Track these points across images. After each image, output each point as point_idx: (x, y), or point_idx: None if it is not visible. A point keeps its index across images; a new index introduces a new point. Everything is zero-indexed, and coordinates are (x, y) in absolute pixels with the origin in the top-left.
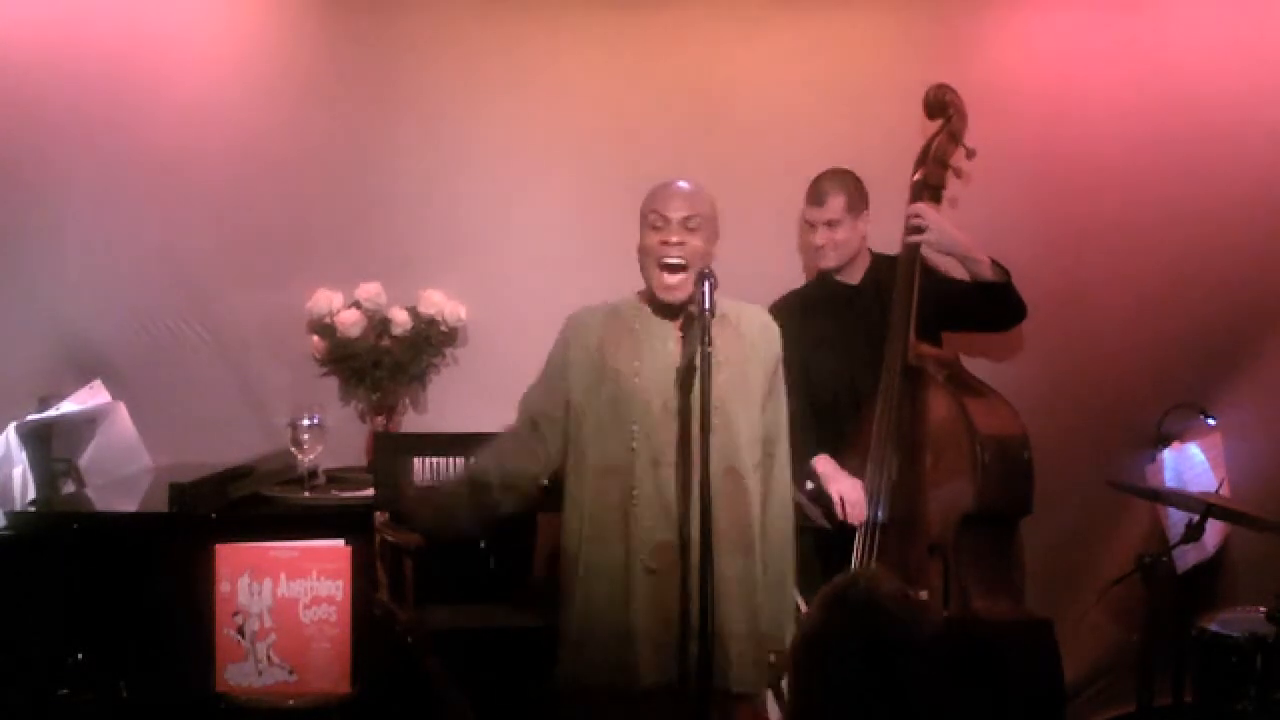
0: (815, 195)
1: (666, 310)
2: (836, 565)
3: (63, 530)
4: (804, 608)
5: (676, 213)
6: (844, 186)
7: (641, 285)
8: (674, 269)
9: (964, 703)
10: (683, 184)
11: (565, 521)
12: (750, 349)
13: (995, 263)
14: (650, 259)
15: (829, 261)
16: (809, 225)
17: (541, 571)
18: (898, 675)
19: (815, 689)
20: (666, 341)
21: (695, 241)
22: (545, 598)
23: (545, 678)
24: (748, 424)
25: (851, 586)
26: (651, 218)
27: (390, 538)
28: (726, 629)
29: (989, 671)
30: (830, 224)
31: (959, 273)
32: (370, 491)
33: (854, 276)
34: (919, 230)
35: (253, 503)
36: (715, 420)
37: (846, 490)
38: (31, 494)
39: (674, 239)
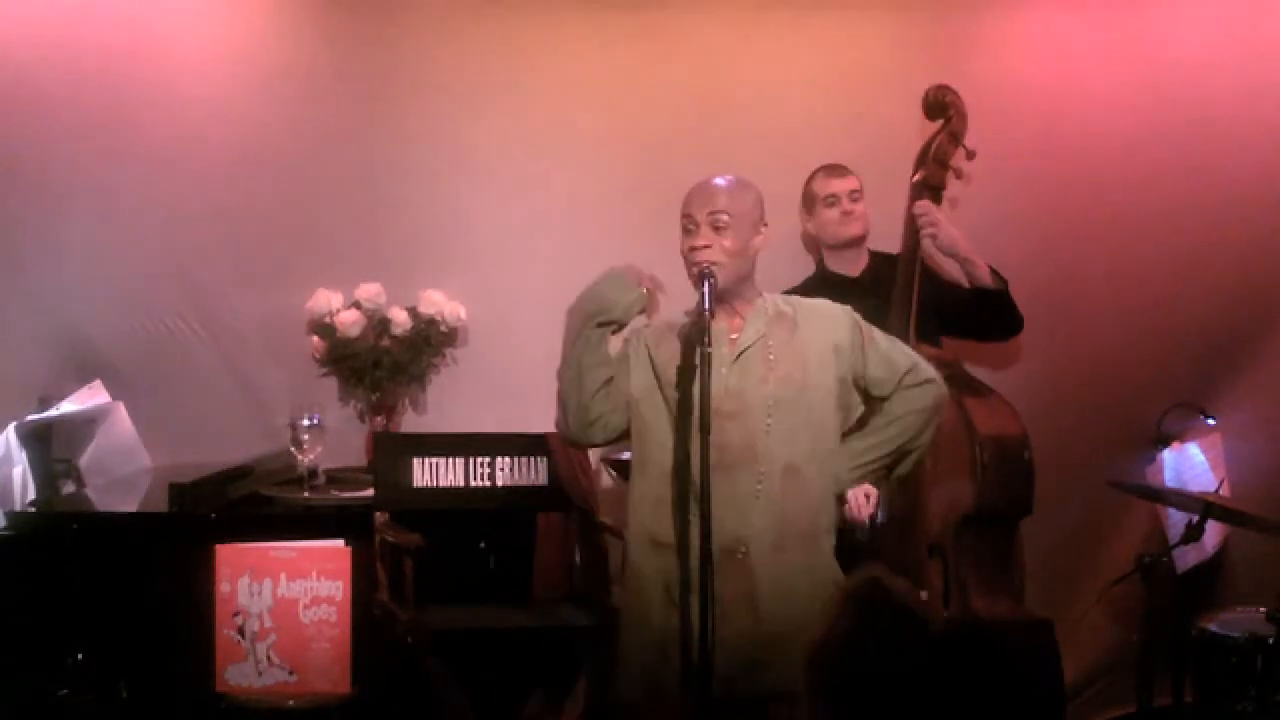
0: (834, 170)
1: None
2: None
3: (62, 530)
4: None
5: (703, 216)
6: (852, 170)
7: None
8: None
9: (963, 703)
10: (718, 181)
11: (635, 524)
12: (809, 340)
13: (994, 271)
14: (686, 263)
15: (858, 229)
16: (829, 200)
17: (546, 575)
18: (917, 673)
19: (837, 689)
20: (720, 347)
21: (725, 242)
22: (546, 601)
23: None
24: (808, 419)
25: (869, 586)
26: (684, 220)
27: (390, 538)
28: (780, 629)
29: (988, 672)
30: (853, 194)
31: (958, 276)
32: (370, 492)
33: (854, 270)
34: (923, 231)
35: (252, 503)
36: (768, 420)
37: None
38: (31, 494)
39: (701, 243)
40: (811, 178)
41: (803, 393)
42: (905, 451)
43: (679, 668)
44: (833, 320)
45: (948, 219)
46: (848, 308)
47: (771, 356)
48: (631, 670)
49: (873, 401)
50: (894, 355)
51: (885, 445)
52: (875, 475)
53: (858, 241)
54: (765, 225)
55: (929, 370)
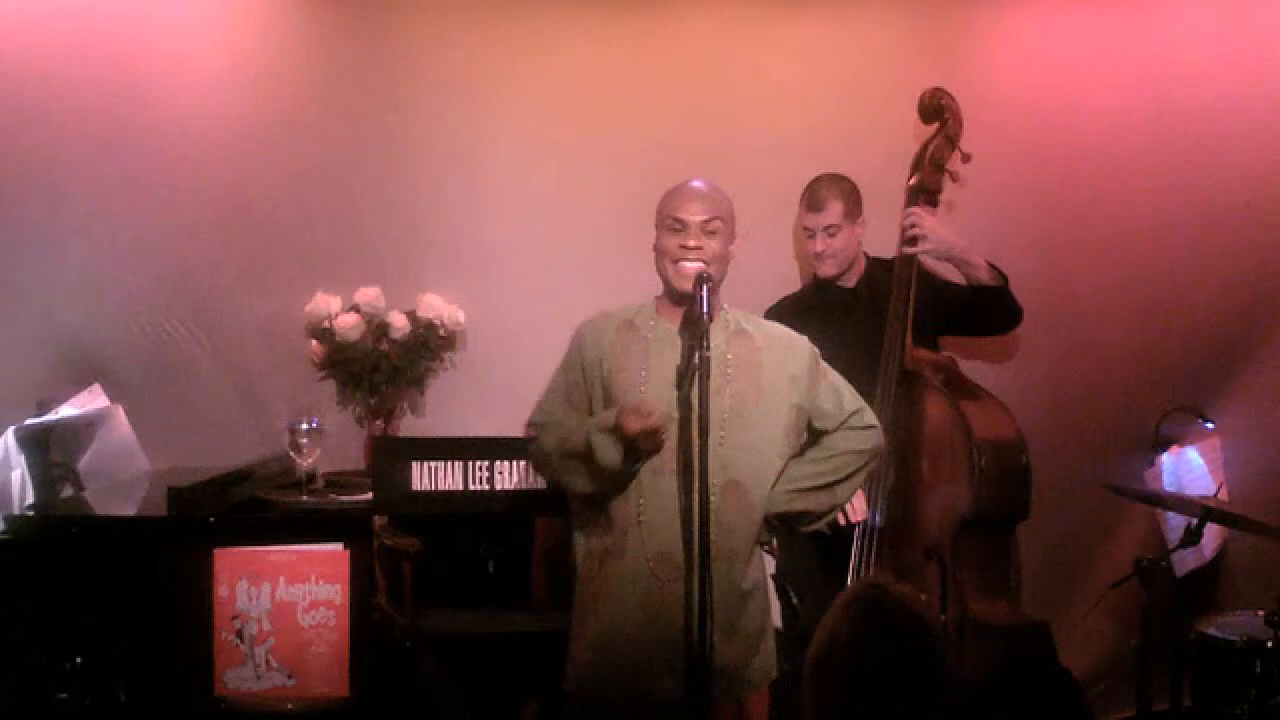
0: (812, 201)
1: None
2: (833, 569)
3: (61, 534)
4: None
5: (694, 216)
6: (840, 192)
7: (657, 290)
8: (700, 279)
9: (962, 706)
10: (699, 184)
11: (580, 529)
12: (767, 363)
13: (992, 266)
14: (667, 260)
15: (829, 270)
16: (806, 232)
17: (542, 578)
18: (925, 680)
19: (844, 697)
20: (677, 348)
21: (713, 245)
22: (546, 604)
23: (551, 689)
24: (757, 438)
25: (878, 594)
26: (669, 221)
27: (389, 542)
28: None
29: (985, 674)
30: (829, 230)
31: (955, 276)
32: (368, 495)
33: (850, 280)
34: (916, 240)
35: (251, 507)
36: (721, 433)
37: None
38: (30, 498)
39: (692, 243)
40: (801, 196)
41: (754, 411)
42: (833, 493)
43: (627, 667)
44: (792, 349)
45: (943, 222)
46: (805, 338)
47: (730, 370)
48: (597, 674)
49: (814, 434)
50: (844, 393)
51: (820, 477)
52: (801, 510)
53: (832, 280)
54: (735, 237)
55: (873, 418)
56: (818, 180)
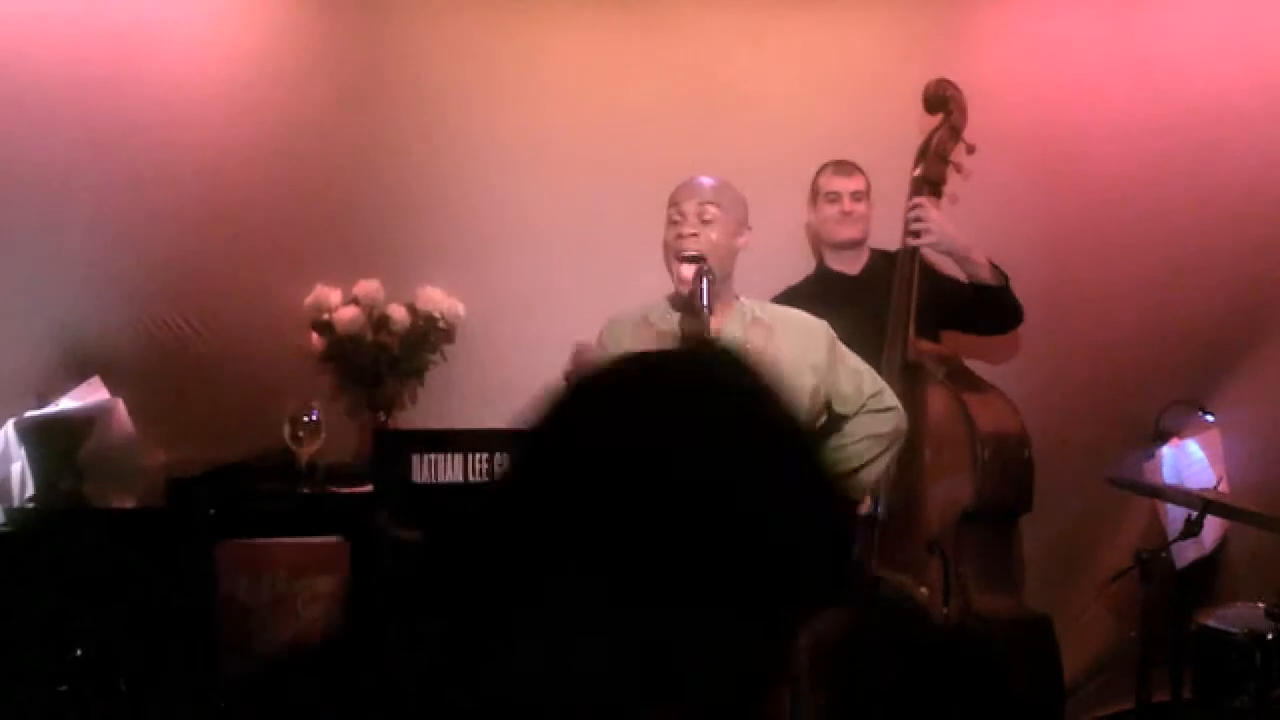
0: (840, 168)
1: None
2: None
3: (61, 527)
4: None
5: (691, 206)
6: (861, 169)
7: (657, 284)
8: (691, 260)
9: (963, 700)
10: (704, 179)
11: None
12: (785, 350)
13: (994, 265)
14: (670, 254)
15: (855, 231)
16: (830, 197)
17: None
18: (923, 672)
19: (843, 688)
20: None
21: (711, 235)
22: None
23: None
24: None
25: (869, 585)
26: (670, 212)
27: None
28: None
29: (987, 669)
30: (856, 195)
31: (956, 272)
32: (368, 488)
33: (854, 268)
34: (919, 234)
35: (251, 499)
36: None
37: None
38: (30, 490)
39: (688, 231)
40: (820, 171)
41: None
42: (856, 480)
43: None
44: (810, 334)
45: (947, 214)
46: (824, 322)
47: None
48: None
49: (833, 419)
50: (864, 376)
51: (842, 464)
52: None
53: (855, 243)
54: (749, 229)
55: (893, 399)
56: (839, 159)
